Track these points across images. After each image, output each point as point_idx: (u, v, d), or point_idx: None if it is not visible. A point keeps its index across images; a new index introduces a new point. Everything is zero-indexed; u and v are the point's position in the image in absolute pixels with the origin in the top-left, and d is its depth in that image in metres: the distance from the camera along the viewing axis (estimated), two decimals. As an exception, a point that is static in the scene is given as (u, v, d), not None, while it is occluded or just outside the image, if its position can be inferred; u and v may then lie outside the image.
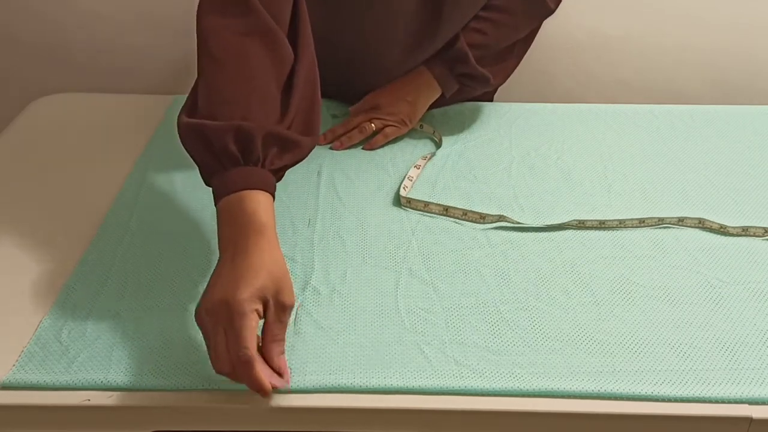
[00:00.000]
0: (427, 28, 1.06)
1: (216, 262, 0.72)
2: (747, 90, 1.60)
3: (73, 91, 1.26)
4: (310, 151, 0.81)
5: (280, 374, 0.67)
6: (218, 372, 0.66)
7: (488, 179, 1.02)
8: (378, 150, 1.09)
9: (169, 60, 1.60)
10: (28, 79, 1.63)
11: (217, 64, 0.77)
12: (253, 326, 0.64)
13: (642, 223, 0.92)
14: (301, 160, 0.79)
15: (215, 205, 0.74)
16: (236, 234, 0.70)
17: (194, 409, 0.69)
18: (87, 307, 0.78)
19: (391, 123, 1.10)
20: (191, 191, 0.98)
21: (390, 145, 1.10)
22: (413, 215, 0.94)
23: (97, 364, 0.71)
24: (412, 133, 1.13)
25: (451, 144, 1.10)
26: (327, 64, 1.11)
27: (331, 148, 1.09)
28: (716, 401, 0.69)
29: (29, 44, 1.60)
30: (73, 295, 0.80)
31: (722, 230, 0.91)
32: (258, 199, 0.71)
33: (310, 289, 0.81)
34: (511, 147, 1.10)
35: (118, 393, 0.69)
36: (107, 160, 1.05)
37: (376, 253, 0.87)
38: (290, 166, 0.79)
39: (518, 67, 1.18)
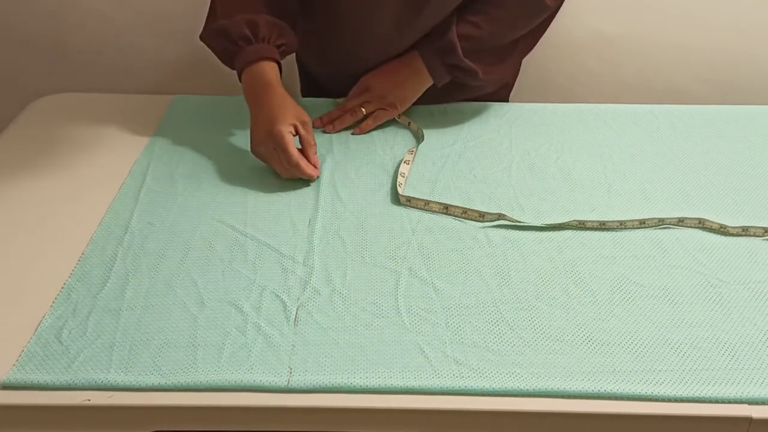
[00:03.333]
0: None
1: (216, 262, 0.83)
2: (747, 90, 1.60)
3: (73, 91, 1.26)
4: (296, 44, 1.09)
5: (315, 167, 1.00)
6: (285, 176, 0.99)
7: (488, 179, 1.02)
8: (378, 150, 1.09)
9: (170, 60, 1.60)
10: (28, 79, 1.63)
11: None
12: (292, 141, 0.98)
13: (642, 224, 0.92)
14: (294, 44, 1.08)
15: (239, 80, 1.04)
16: (256, 90, 1.01)
17: (194, 409, 0.69)
18: (87, 306, 0.78)
19: (381, 107, 1.13)
20: (192, 191, 0.98)
21: (390, 146, 1.10)
22: (413, 215, 0.94)
23: (97, 363, 0.71)
24: (412, 133, 1.13)
25: (451, 144, 1.10)
26: (321, 47, 1.14)
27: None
28: (716, 401, 0.69)
29: (29, 44, 1.60)
30: (74, 295, 0.80)
31: (722, 230, 0.91)
32: (268, 67, 1.02)
33: (311, 289, 0.82)
34: (511, 147, 1.10)
35: (118, 393, 0.69)
36: (107, 160, 1.05)
37: (376, 252, 0.87)
38: (288, 47, 1.07)
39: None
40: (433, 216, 0.94)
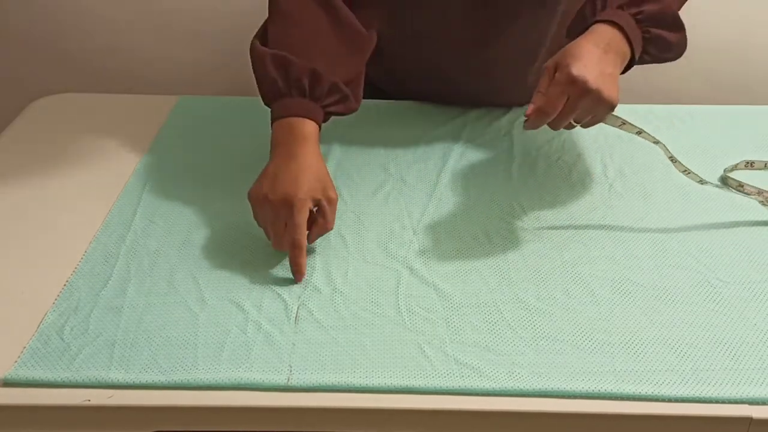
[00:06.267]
0: None
1: (218, 261, 0.85)
2: (747, 90, 1.60)
3: (74, 92, 1.26)
4: (353, 112, 0.97)
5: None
6: (277, 248, 0.84)
7: (489, 179, 1.02)
8: (379, 149, 1.09)
9: (170, 61, 1.60)
10: (28, 79, 1.63)
11: (286, 14, 0.94)
12: (305, 219, 0.83)
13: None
14: (347, 112, 0.96)
15: (272, 121, 0.90)
16: (288, 140, 0.88)
17: (194, 409, 0.69)
18: (89, 304, 0.79)
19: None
20: (195, 190, 0.98)
21: (391, 145, 1.10)
22: (414, 214, 0.94)
23: (98, 361, 0.72)
24: (415, 133, 1.13)
25: (451, 144, 1.10)
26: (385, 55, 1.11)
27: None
28: (716, 401, 0.69)
29: (30, 44, 1.60)
30: (76, 293, 0.80)
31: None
32: (310, 124, 0.90)
33: (311, 288, 0.82)
34: (512, 147, 1.10)
35: (119, 393, 0.69)
36: (111, 159, 1.05)
37: (377, 252, 0.87)
38: (341, 114, 0.95)
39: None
40: (434, 216, 0.94)
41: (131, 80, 1.61)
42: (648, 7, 0.89)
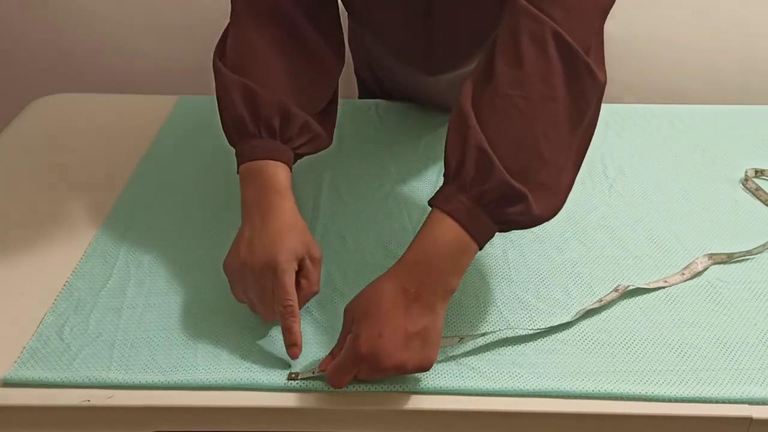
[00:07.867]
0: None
1: (217, 260, 0.79)
2: (747, 90, 1.60)
3: (73, 92, 1.26)
4: (324, 149, 0.89)
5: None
6: (269, 319, 0.75)
7: (489, 179, 1.02)
8: (379, 150, 1.09)
9: (170, 61, 1.60)
10: (28, 79, 1.63)
11: (247, 35, 0.84)
12: (293, 281, 0.72)
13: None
14: (316, 152, 0.87)
15: (238, 165, 0.81)
16: (260, 195, 0.77)
17: (194, 409, 0.69)
18: (89, 304, 0.79)
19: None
20: (195, 191, 0.98)
21: (391, 145, 1.10)
22: (414, 214, 0.94)
23: (98, 361, 0.71)
24: (415, 133, 1.13)
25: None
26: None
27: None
28: (716, 401, 0.69)
29: (30, 44, 1.60)
30: (76, 293, 0.80)
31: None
32: (281, 170, 0.79)
33: (311, 288, 0.82)
34: (512, 147, 1.10)
35: (119, 393, 0.69)
36: (110, 159, 1.05)
37: (377, 252, 0.87)
38: (310, 153, 0.86)
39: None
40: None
41: (131, 80, 1.61)
42: (491, 184, 0.68)
